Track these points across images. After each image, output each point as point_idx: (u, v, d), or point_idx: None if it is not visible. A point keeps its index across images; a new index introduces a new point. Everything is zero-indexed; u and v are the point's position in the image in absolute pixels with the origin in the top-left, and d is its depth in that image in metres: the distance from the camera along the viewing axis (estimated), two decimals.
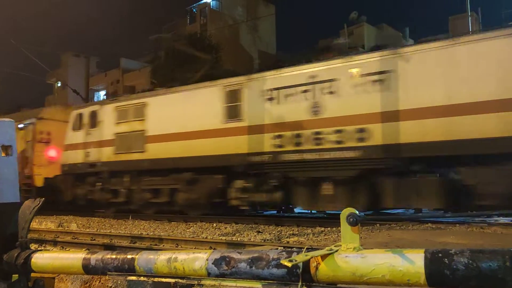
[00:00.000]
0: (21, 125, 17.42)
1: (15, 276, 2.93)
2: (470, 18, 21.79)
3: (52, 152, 17.75)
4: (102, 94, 45.85)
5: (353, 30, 35.20)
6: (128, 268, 2.44)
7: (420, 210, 11.24)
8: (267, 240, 9.02)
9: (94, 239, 10.31)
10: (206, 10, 40.39)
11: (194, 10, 41.47)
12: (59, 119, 18.13)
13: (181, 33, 36.54)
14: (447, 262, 1.58)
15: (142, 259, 2.41)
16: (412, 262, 1.65)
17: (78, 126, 16.85)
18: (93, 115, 16.38)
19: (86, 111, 16.81)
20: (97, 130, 16.11)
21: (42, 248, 8.82)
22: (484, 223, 9.12)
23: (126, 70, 43.78)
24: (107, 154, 15.64)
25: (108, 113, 15.90)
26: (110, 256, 2.53)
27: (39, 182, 17.53)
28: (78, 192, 16.57)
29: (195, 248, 8.30)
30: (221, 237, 9.64)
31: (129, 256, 2.46)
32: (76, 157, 16.48)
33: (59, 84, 47.26)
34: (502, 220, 9.40)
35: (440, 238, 7.03)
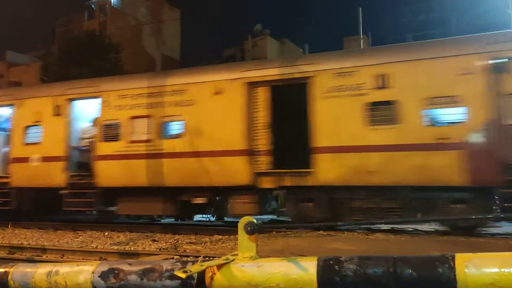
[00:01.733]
0: None
1: None
2: (362, 40, 23.67)
3: None
4: None
5: (257, 41, 36.15)
6: (0, 284, 2.16)
7: None
8: (163, 249, 8.77)
9: None
10: (106, 7, 38.59)
11: (92, 6, 39.37)
12: None
13: (78, 29, 34.43)
14: (337, 269, 1.64)
15: (18, 272, 2.15)
16: (306, 269, 1.68)
17: None
18: None
19: None
20: None
21: None
22: (369, 230, 9.85)
23: (12, 64, 39.96)
24: None
25: None
26: None
27: None
28: None
29: (83, 259, 7.76)
30: (113, 247, 9.15)
31: (1, 270, 2.18)
32: None
33: None
34: (383, 227, 10.24)
35: (331, 244, 7.43)
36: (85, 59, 25.92)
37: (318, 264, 1.68)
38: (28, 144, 13.29)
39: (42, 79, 27.71)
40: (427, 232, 9.96)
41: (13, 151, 13.53)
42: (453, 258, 1.56)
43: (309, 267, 1.69)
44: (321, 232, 9.63)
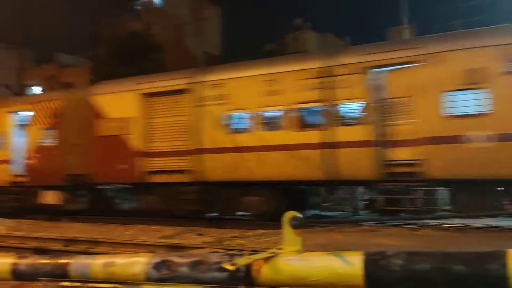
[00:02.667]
0: None
1: None
2: (407, 30, 22.98)
3: None
4: (35, 90, 43.46)
5: (297, 36, 35.93)
6: (61, 274, 2.31)
7: (357, 213, 11.66)
8: (208, 243, 8.95)
9: (24, 243, 9.71)
10: (150, 8, 39.54)
11: (137, 7, 40.44)
12: None
13: (123, 30, 35.51)
14: (384, 263, 1.64)
15: (77, 264, 2.30)
16: (351, 264, 1.70)
17: None
18: None
19: None
20: None
21: None
22: (416, 225, 9.61)
23: (63, 65, 41.78)
24: None
25: None
26: (41, 261, 2.39)
27: None
28: None
29: (133, 252, 8.06)
30: (160, 240, 9.44)
31: (62, 261, 2.33)
32: None
33: None
34: (432, 223, 9.95)
35: (376, 240, 7.32)
36: (130, 60, 26.69)
37: (364, 259, 1.69)
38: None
39: (91, 80, 28.82)
40: (478, 228, 9.60)
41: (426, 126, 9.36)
42: (505, 254, 1.52)
43: (355, 262, 1.70)
44: (366, 227, 9.50)
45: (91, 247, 8.93)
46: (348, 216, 12.22)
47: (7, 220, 14.02)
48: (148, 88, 13.01)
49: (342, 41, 39.62)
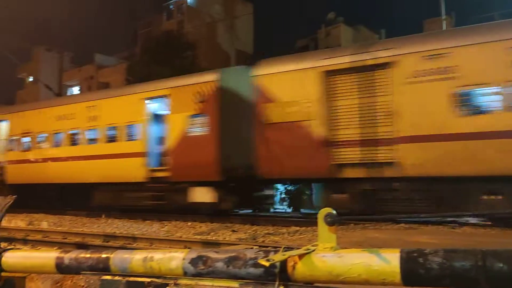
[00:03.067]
0: None
1: None
2: (444, 21, 22.28)
3: None
4: (75, 90, 44.93)
5: (330, 30, 35.55)
6: (103, 267, 2.40)
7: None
8: (242, 239, 9.02)
9: (66, 238, 10.10)
10: (183, 7, 40.07)
11: (171, 6, 41.07)
12: None
13: (158, 30, 36.14)
14: (422, 261, 1.61)
15: (117, 258, 2.38)
16: (388, 261, 1.68)
17: None
18: None
19: None
20: None
21: (12, 246, 8.59)
22: (455, 223, 9.36)
23: (100, 66, 43.00)
24: None
25: None
26: (84, 255, 2.48)
27: None
28: None
29: (169, 247, 8.22)
30: (196, 236, 9.59)
31: (103, 255, 2.41)
32: None
33: (30, 79, 46.01)
34: (471, 220, 9.67)
35: (413, 238, 7.18)
36: (165, 58, 27.19)
37: (401, 256, 1.67)
38: None
39: (127, 79, 29.52)
40: None
41: None
42: None
43: (391, 259, 1.68)
44: (402, 224, 9.33)
45: (129, 243, 9.17)
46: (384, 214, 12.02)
47: (50, 216, 14.61)
48: (333, 64, 10.90)
49: (376, 34, 38.95)
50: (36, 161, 17.07)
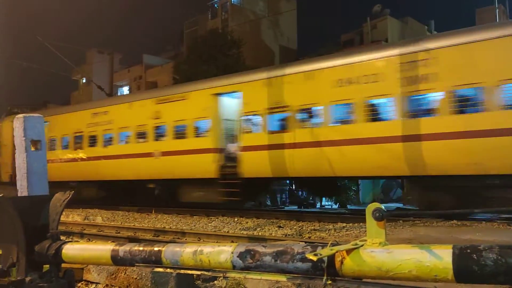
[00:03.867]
0: None
1: (46, 267, 3.02)
2: (497, 10, 21.19)
3: None
4: (125, 90, 46.54)
5: (376, 23, 34.66)
6: (155, 260, 2.49)
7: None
8: (289, 235, 9.03)
9: (119, 232, 10.52)
10: (227, 5, 40.44)
11: (215, 5, 41.57)
12: None
13: (203, 29, 36.70)
14: (475, 258, 1.57)
15: (169, 251, 2.46)
16: (440, 257, 1.64)
17: None
18: None
19: None
20: None
21: (70, 240, 9.06)
22: (511, 220, 8.91)
23: (148, 66, 44.27)
24: None
25: None
26: (137, 248, 2.59)
27: None
28: None
29: (217, 242, 8.38)
30: (242, 232, 9.70)
31: (156, 248, 2.51)
32: None
33: (84, 81, 48.13)
34: None
35: (465, 235, 6.91)
36: (210, 57, 27.57)
37: (453, 253, 1.63)
38: None
39: (174, 78, 30.20)
40: None
41: None
42: None
43: (443, 255, 1.64)
44: (454, 221, 9.00)
45: (178, 238, 9.43)
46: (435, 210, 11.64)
47: (103, 211, 15.26)
48: None
49: (425, 26, 37.61)
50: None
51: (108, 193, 17.51)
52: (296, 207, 16.47)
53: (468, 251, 1.60)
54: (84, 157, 17.56)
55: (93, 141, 17.34)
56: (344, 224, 10.06)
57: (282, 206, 16.35)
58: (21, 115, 4.58)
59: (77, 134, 17.97)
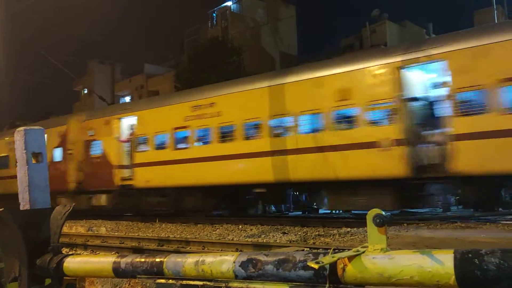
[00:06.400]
0: None
1: (48, 280, 3.02)
2: (496, 12, 21.19)
3: None
4: (127, 100, 46.70)
5: (375, 28, 34.75)
6: (157, 271, 2.48)
7: (448, 209, 11.00)
8: (293, 241, 8.99)
9: (123, 243, 10.49)
10: (227, 13, 40.63)
11: (214, 14, 41.76)
12: None
13: (203, 37, 36.84)
14: (477, 262, 1.55)
15: (171, 262, 2.45)
16: (442, 263, 1.63)
17: None
18: None
19: None
20: None
21: (73, 252, 9.04)
22: None
23: (150, 75, 44.43)
24: None
25: None
26: (139, 259, 2.58)
27: None
28: None
29: (221, 250, 8.35)
30: (247, 239, 9.67)
31: (157, 260, 2.50)
32: None
33: (85, 91, 48.32)
34: None
35: (470, 237, 6.87)
36: (210, 65, 27.67)
37: (455, 257, 1.61)
38: None
39: (176, 86, 30.30)
40: None
41: None
42: None
43: (445, 260, 1.63)
44: (459, 223, 8.95)
45: (182, 246, 9.40)
46: (437, 213, 11.59)
47: (107, 222, 15.24)
48: None
49: (423, 29, 37.68)
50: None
51: (217, 201, 14.70)
52: (300, 212, 16.43)
53: (470, 255, 1.58)
54: (189, 158, 14.20)
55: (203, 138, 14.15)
56: (349, 229, 10.01)
57: (287, 212, 16.30)
58: (21, 128, 4.59)
59: (179, 130, 14.61)
